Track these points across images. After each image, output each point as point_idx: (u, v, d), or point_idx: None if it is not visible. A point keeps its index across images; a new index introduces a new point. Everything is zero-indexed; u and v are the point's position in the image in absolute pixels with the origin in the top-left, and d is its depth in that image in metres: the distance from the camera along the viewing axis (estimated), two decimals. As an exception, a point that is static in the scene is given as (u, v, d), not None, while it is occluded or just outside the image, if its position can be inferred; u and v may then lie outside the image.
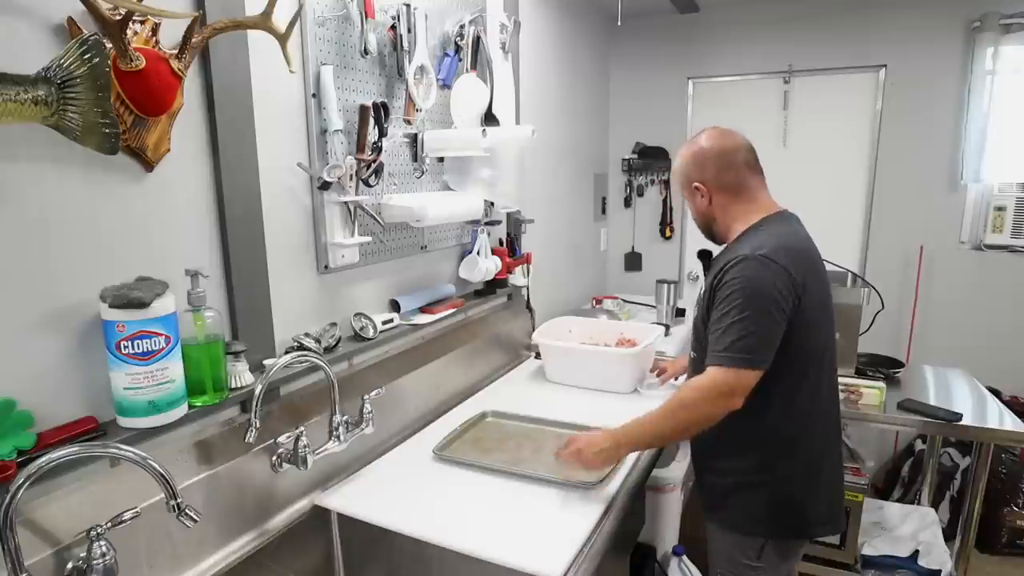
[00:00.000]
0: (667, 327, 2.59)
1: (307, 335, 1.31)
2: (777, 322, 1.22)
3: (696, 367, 1.38)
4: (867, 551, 2.07)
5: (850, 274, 2.18)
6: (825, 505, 1.35)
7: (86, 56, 0.82)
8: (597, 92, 3.19)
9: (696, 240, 3.38)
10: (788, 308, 1.22)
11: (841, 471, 1.42)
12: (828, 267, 1.40)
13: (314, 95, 1.32)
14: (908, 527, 2.16)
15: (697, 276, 3.41)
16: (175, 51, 0.98)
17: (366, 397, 1.36)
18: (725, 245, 1.40)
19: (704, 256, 1.64)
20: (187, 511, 0.88)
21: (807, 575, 2.08)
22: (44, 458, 0.79)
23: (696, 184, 1.39)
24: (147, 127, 0.98)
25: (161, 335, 0.95)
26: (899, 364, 2.19)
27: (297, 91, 1.30)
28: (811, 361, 1.29)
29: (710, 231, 1.44)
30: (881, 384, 1.92)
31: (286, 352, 1.20)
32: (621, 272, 3.53)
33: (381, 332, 1.49)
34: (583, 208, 3.10)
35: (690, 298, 3.17)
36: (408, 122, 1.59)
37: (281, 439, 1.21)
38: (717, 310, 1.26)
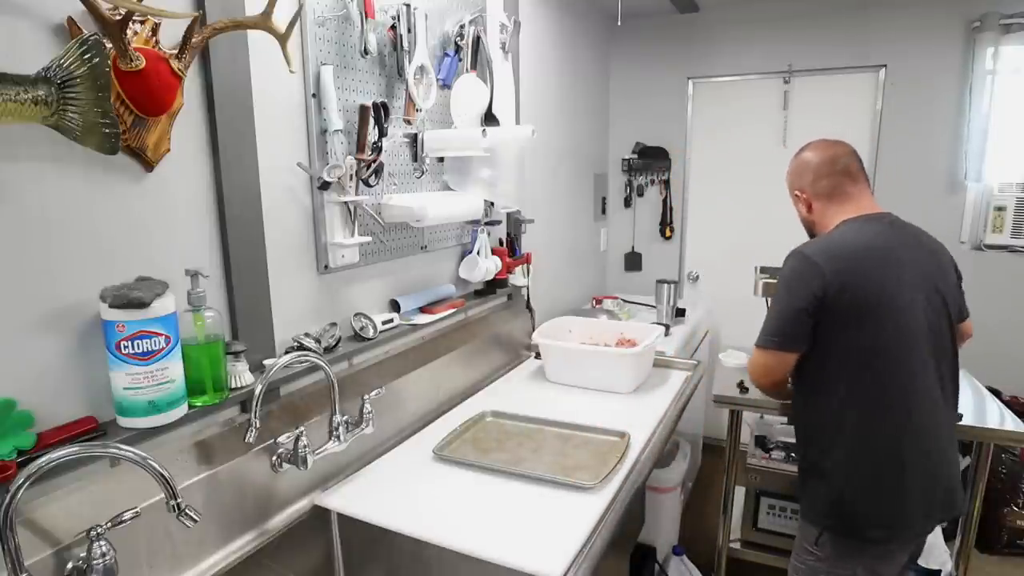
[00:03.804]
0: (667, 327, 2.59)
1: (307, 335, 1.31)
2: (799, 312, 1.34)
3: None
4: (867, 551, 2.06)
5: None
6: (886, 510, 1.32)
7: (86, 56, 0.82)
8: (597, 92, 3.19)
9: (696, 240, 3.38)
10: (813, 302, 1.32)
11: (930, 480, 1.34)
12: None
13: (314, 95, 1.32)
14: (908, 527, 2.15)
15: (697, 276, 3.41)
16: (175, 51, 0.98)
17: (366, 397, 1.36)
18: None
19: None
20: (187, 511, 0.88)
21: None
22: (44, 458, 0.79)
23: (796, 191, 1.52)
24: (147, 127, 0.98)
25: (161, 335, 0.95)
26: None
27: (297, 91, 1.30)
28: (852, 358, 1.33)
29: (812, 236, 1.55)
30: (881, 384, 1.91)
31: (286, 352, 1.20)
32: (621, 272, 3.53)
33: (381, 332, 1.49)
34: (583, 208, 3.10)
35: (690, 298, 3.18)
36: (408, 122, 1.59)
37: (281, 439, 1.21)
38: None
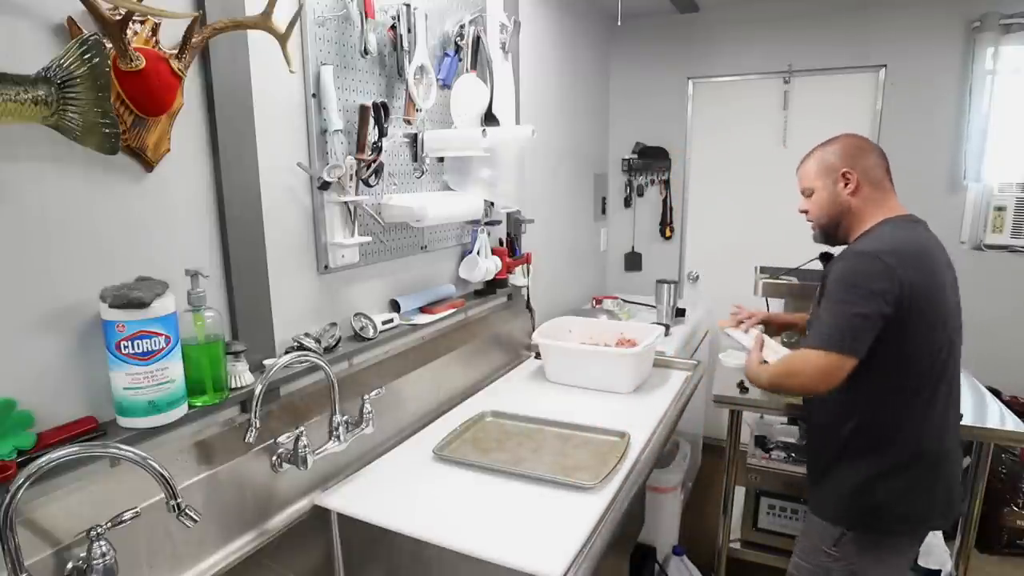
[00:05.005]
0: (667, 327, 2.59)
1: (307, 335, 1.31)
2: (871, 316, 1.28)
3: None
4: (867, 551, 2.06)
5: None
6: (913, 505, 1.35)
7: (86, 56, 0.82)
8: (597, 92, 3.19)
9: (696, 240, 3.38)
10: (887, 305, 1.27)
11: (945, 479, 1.38)
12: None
13: (314, 95, 1.32)
14: (908, 527, 2.15)
15: (697, 276, 3.42)
16: (175, 51, 0.98)
17: (366, 397, 1.36)
18: (847, 245, 1.44)
19: (827, 259, 1.61)
20: (187, 511, 0.88)
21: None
22: (44, 458, 0.79)
23: (846, 171, 1.42)
24: (147, 127, 0.98)
25: (161, 335, 0.95)
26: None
27: (297, 91, 1.30)
28: (913, 362, 1.32)
29: (836, 227, 1.46)
30: (881, 384, 1.91)
31: (286, 352, 1.20)
32: (621, 272, 3.53)
33: (381, 332, 1.49)
34: (583, 208, 3.10)
35: (690, 298, 3.18)
36: (408, 122, 1.59)
37: (281, 439, 1.21)
38: (824, 300, 1.35)
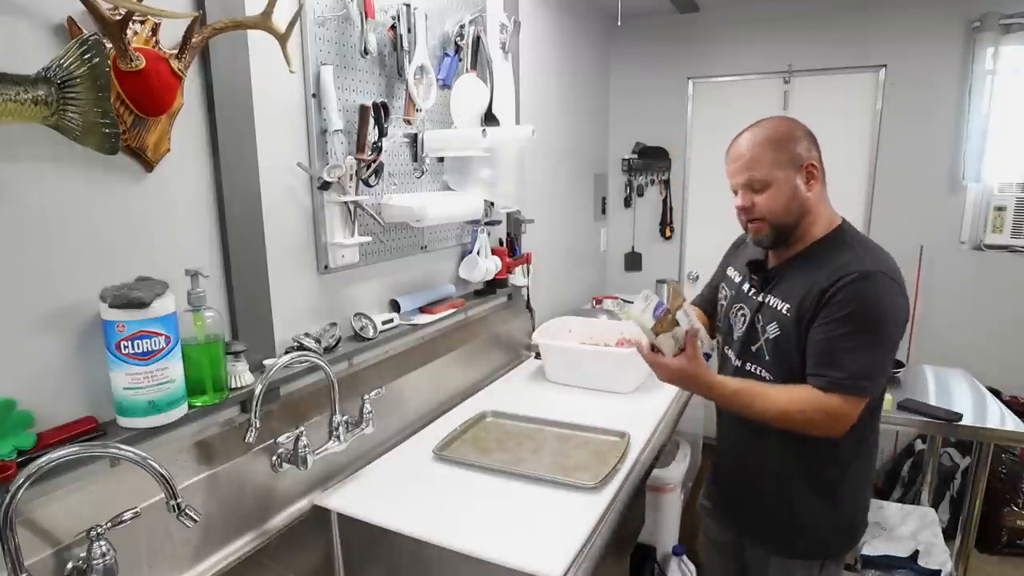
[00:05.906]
0: (667, 327, 2.59)
1: (307, 335, 1.31)
2: (897, 347, 1.16)
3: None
4: (867, 551, 2.07)
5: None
6: (865, 511, 1.32)
7: (86, 56, 0.82)
8: (597, 92, 3.19)
9: (696, 240, 3.38)
10: (905, 331, 1.16)
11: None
12: None
13: (314, 95, 1.32)
14: (908, 527, 2.16)
15: (697, 276, 3.42)
16: (175, 51, 0.98)
17: (366, 397, 1.36)
18: (799, 252, 1.23)
19: (758, 268, 1.33)
20: (187, 511, 0.88)
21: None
22: (44, 458, 0.79)
23: (811, 164, 1.17)
24: (147, 127, 0.98)
25: (161, 335, 0.95)
26: (899, 364, 2.19)
27: (297, 91, 1.30)
28: (889, 376, 1.24)
29: (794, 230, 1.21)
30: (881, 384, 1.91)
31: (286, 352, 1.20)
32: (621, 272, 3.53)
33: (381, 332, 1.49)
34: (583, 208, 3.10)
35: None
36: (408, 122, 1.59)
37: (281, 439, 1.21)
38: (829, 327, 1.12)
